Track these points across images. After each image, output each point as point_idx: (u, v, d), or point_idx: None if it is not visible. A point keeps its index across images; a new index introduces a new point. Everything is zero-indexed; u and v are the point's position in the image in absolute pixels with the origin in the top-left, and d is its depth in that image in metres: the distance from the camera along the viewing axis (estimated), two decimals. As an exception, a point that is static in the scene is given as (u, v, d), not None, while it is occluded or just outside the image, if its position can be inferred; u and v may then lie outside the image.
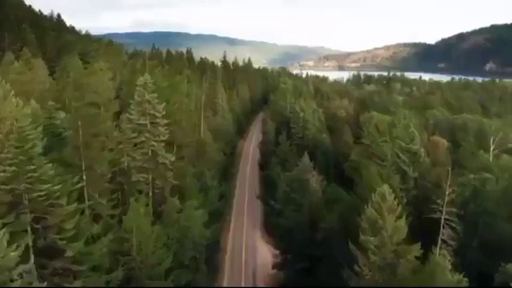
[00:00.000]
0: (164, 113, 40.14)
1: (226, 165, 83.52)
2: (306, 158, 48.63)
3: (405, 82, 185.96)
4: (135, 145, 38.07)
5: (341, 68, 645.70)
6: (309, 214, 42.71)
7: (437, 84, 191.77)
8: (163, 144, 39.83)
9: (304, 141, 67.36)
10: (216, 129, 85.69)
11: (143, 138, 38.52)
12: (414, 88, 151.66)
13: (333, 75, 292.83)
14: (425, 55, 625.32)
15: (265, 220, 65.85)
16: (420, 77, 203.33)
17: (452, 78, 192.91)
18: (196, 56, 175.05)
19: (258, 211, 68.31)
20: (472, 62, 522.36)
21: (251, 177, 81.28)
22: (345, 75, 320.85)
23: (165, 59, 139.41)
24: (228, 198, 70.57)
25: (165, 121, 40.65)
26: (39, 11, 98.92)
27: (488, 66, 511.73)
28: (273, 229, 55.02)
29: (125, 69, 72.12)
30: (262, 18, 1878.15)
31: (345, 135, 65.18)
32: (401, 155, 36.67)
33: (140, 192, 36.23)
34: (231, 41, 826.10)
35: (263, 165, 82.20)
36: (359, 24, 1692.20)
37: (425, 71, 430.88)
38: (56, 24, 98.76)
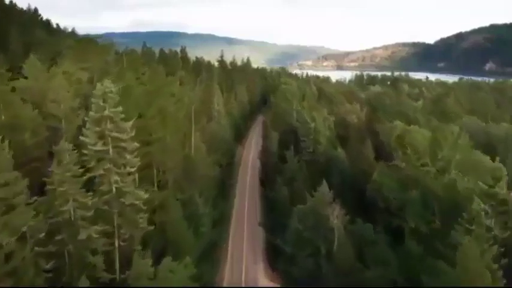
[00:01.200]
0: (133, 134, 28.52)
1: (223, 180, 72.05)
2: (324, 187, 37.19)
3: (411, 83, 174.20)
4: (89, 181, 26.45)
5: (340, 67, 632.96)
6: (334, 268, 31.23)
7: (445, 84, 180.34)
8: (132, 177, 28.23)
9: (315, 157, 55.74)
10: (211, 138, 74.27)
11: (102, 171, 26.90)
12: (424, 89, 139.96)
13: (332, 75, 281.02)
14: (425, 55, 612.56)
15: (267, 251, 54.36)
16: (427, 77, 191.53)
17: (461, 78, 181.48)
18: (194, 56, 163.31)
19: (259, 239, 56.64)
20: (471, 61, 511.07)
21: (251, 194, 69.46)
22: (344, 75, 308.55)
23: (158, 58, 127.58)
24: (224, 223, 59.04)
25: (136, 144, 29.03)
26: (12, 2, 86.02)
27: (488, 66, 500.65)
28: (281, 272, 43.53)
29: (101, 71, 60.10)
30: (261, 18, 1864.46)
31: (365, 149, 53.55)
32: (481, 202, 25.15)
33: (95, 253, 24.63)
34: (230, 41, 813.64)
35: (264, 180, 70.96)
36: (358, 24, 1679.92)
37: (425, 70, 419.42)
38: (29, 18, 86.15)
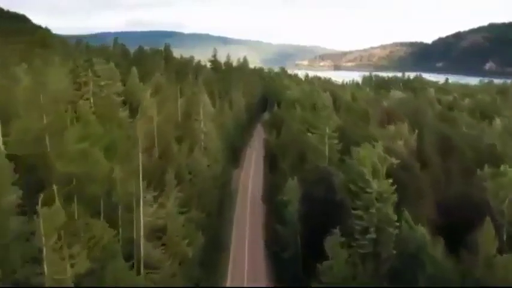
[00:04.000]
0: None
1: (210, 252, 44.73)
2: None
3: (431, 86, 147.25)
4: None
5: (337, 67, 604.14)
6: None
7: (466, 87, 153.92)
8: None
9: (381, 249, 28.32)
10: (192, 181, 47.40)
11: None
12: (456, 95, 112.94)
13: (331, 75, 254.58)
14: (423, 54, 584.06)
15: None
16: (447, 79, 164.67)
17: (490, 81, 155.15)
18: (189, 56, 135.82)
19: None
20: (471, 61, 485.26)
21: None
22: (343, 76, 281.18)
23: (134, 58, 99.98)
24: None
25: None
26: None
27: (488, 65, 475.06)
28: None
29: None
30: (257, 17, 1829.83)
31: (482, 237, 26.33)
32: None
33: None
34: (225, 40, 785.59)
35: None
36: (354, 24, 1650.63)
37: (423, 70, 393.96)
38: None
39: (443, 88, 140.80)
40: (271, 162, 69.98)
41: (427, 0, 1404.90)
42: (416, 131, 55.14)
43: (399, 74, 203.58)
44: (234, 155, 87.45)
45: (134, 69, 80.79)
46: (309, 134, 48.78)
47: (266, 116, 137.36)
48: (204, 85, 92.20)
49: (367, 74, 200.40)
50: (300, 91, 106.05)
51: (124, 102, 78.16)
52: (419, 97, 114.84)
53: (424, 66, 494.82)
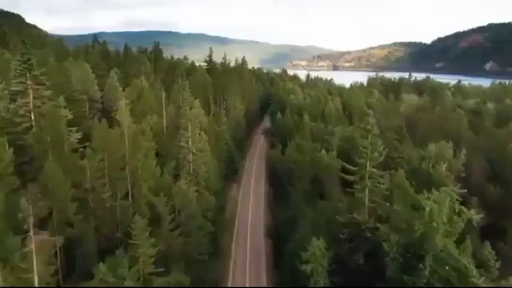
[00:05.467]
0: None
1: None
2: None
3: (442, 88, 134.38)
4: None
5: (335, 67, 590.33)
6: None
7: (483, 90, 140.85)
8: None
9: None
10: (177, 214, 34.79)
11: None
12: (479, 100, 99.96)
13: (330, 75, 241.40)
14: (422, 55, 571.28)
15: None
16: (459, 80, 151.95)
17: (505, 83, 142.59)
18: (188, 57, 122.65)
19: None
20: (471, 61, 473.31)
21: None
22: (342, 76, 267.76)
23: (119, 59, 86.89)
24: None
25: None
26: None
27: (489, 65, 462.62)
28: None
29: None
30: (254, 17, 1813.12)
31: None
32: None
33: None
34: (222, 40, 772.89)
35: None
36: (351, 23, 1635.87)
37: (422, 70, 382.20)
38: None
39: (460, 91, 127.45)
40: (276, 185, 57.41)
41: (427, 0, 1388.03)
42: (464, 151, 42.35)
43: (405, 75, 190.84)
44: (231, 168, 74.79)
45: (114, 72, 67.89)
46: (323, 153, 36.22)
47: (266, 120, 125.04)
48: (198, 88, 79.69)
49: (371, 74, 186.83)
50: (307, 97, 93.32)
51: (101, 111, 65.55)
52: (436, 102, 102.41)
53: (423, 66, 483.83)
